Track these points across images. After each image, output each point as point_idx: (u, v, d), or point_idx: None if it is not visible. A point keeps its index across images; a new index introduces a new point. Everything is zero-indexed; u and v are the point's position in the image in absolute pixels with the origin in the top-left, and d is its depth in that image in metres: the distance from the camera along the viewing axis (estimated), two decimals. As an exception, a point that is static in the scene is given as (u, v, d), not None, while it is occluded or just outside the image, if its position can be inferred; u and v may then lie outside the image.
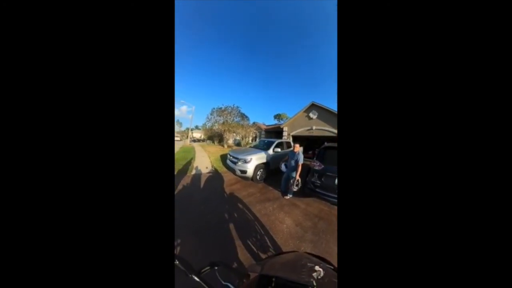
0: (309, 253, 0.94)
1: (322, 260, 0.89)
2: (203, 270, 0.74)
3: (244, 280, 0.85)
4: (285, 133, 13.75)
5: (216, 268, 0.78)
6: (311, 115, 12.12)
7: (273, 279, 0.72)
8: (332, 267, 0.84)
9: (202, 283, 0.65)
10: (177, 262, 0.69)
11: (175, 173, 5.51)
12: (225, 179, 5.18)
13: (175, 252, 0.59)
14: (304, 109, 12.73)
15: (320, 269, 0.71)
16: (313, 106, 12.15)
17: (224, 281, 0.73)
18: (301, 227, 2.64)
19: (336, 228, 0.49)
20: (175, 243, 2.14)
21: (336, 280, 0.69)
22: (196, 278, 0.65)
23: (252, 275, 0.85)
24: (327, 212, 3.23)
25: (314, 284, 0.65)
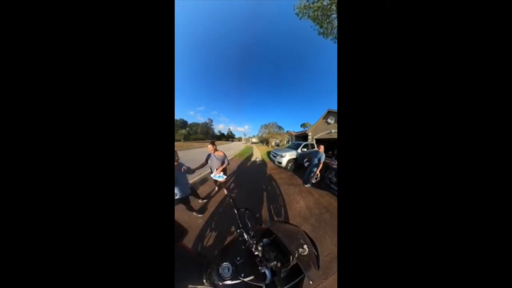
0: (306, 233, 0.98)
1: (313, 244, 0.91)
2: (240, 209, 1.07)
3: (258, 226, 1.13)
4: (309, 137, 14.27)
5: (247, 211, 1.08)
6: (329, 120, 12.46)
7: (273, 235, 0.85)
8: (316, 253, 0.87)
9: (237, 215, 1.01)
10: (231, 200, 1.12)
11: (243, 160, 8.62)
12: (268, 166, 6.93)
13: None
14: (323, 116, 13.10)
15: (307, 249, 0.74)
16: (330, 113, 12.40)
17: (247, 220, 1.03)
18: (309, 211, 2.82)
19: (336, 223, 0.59)
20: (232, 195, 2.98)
21: (312, 265, 0.72)
22: (235, 211, 1.04)
23: (263, 226, 1.08)
24: (334, 207, 3.15)
25: (295, 256, 0.70)
